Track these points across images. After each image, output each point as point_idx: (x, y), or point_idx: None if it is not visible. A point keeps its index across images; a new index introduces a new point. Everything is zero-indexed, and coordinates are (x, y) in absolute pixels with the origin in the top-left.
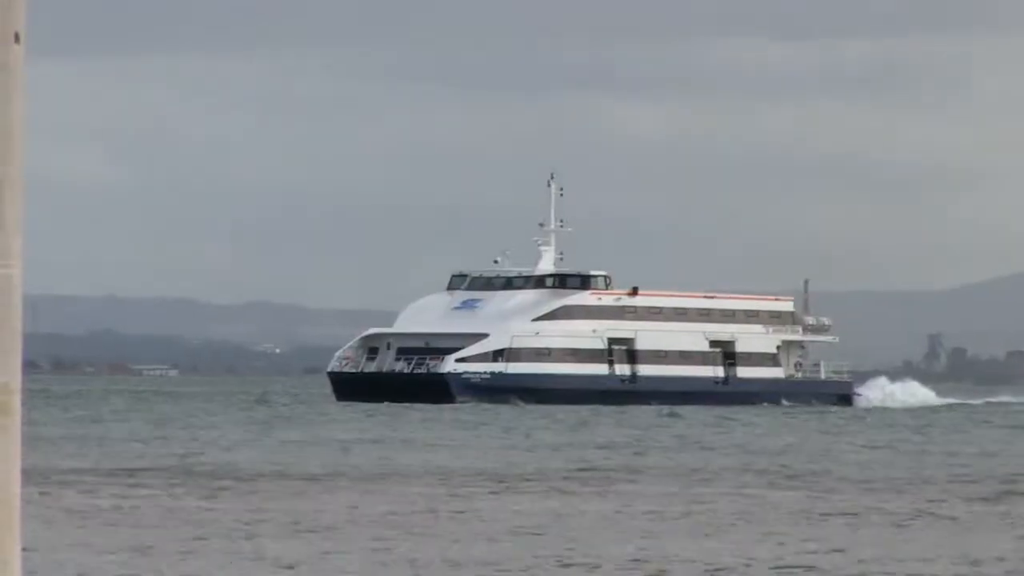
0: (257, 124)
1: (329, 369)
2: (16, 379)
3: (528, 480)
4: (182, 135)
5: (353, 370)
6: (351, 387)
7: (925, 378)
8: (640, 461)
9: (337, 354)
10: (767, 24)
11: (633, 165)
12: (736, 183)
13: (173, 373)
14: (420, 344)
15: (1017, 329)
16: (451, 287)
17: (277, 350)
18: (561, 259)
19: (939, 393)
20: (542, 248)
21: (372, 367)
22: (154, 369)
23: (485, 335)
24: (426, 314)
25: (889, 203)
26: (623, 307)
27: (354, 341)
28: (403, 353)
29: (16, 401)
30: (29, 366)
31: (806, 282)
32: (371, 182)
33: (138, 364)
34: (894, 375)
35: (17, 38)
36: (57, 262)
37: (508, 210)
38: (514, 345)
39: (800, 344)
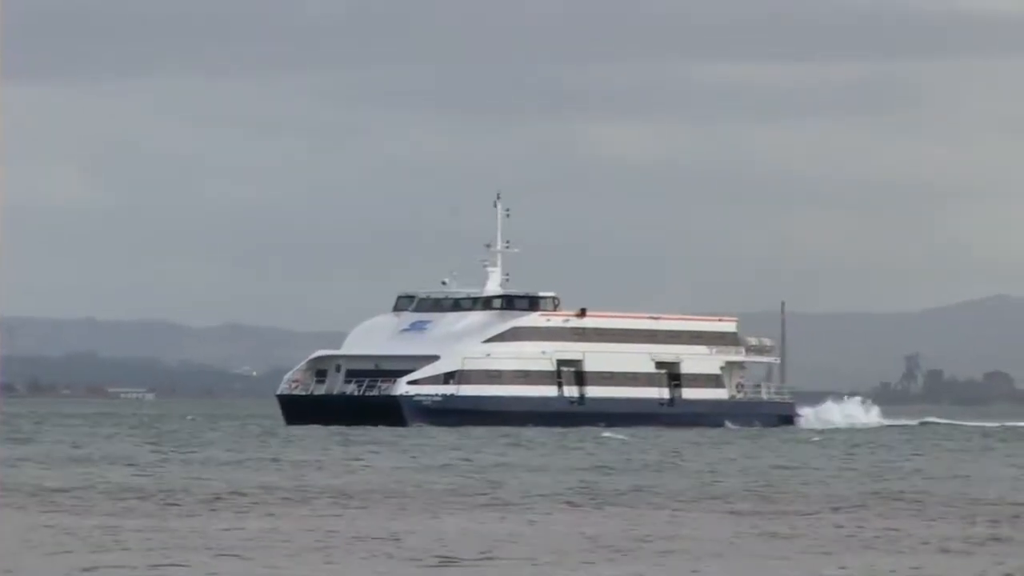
0: (235, 147)
1: (278, 392)
2: None
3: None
4: (160, 158)
5: (303, 393)
6: (301, 410)
7: (902, 399)
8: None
9: (286, 376)
10: (752, 45)
11: (613, 186)
12: (715, 204)
13: (150, 397)
14: (370, 366)
15: (994, 351)
16: (397, 308)
17: (254, 372)
18: (507, 280)
19: (885, 414)
20: (488, 269)
21: (322, 390)
22: (131, 392)
23: (435, 357)
24: (375, 336)
25: (866, 224)
26: (571, 328)
27: (302, 363)
28: (352, 375)
29: None
30: (6, 389)
31: (783, 304)
32: (351, 204)
33: (115, 387)
34: (871, 397)
35: None
36: (35, 285)
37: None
38: (465, 367)
39: (742, 365)
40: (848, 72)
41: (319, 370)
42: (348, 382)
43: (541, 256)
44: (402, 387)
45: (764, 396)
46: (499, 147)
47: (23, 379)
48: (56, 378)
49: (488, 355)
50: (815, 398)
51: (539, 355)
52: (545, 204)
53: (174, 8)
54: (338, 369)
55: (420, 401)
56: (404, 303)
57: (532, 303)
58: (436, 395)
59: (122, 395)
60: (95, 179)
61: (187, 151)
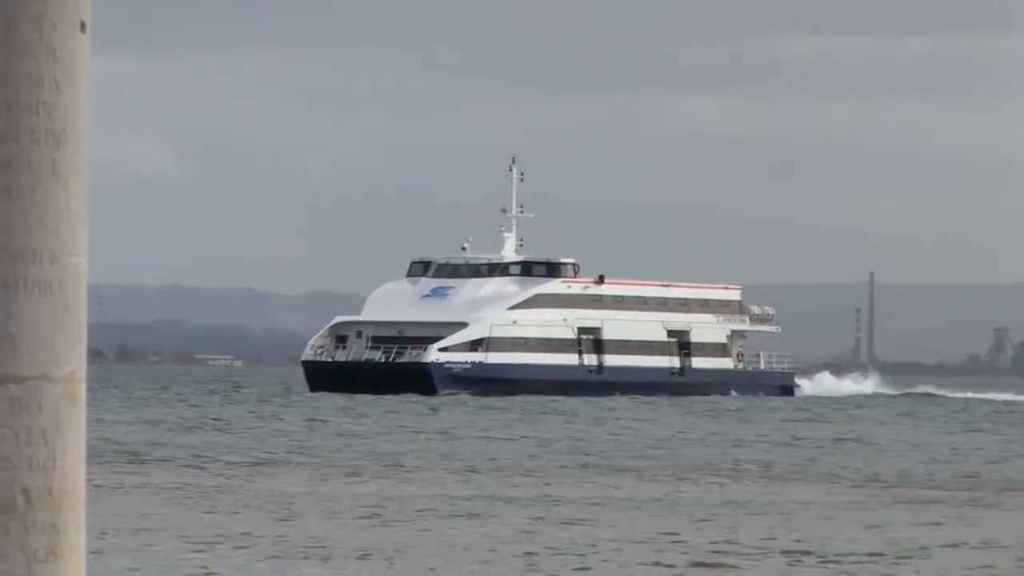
0: (319, 117)
1: (303, 358)
2: (82, 368)
3: None
4: (245, 128)
5: (328, 359)
6: (327, 377)
7: (990, 371)
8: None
9: (310, 342)
10: (825, 18)
11: (697, 157)
12: (796, 176)
13: (238, 364)
14: (393, 332)
15: None
16: (411, 274)
17: None
18: (521, 245)
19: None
20: (504, 234)
21: (344, 356)
22: (219, 359)
23: (461, 324)
24: (395, 302)
25: (952, 196)
26: (590, 296)
27: (323, 329)
28: (377, 342)
29: (82, 390)
30: (94, 355)
31: (871, 275)
32: (431, 176)
33: (203, 354)
34: (958, 369)
35: (83, 27)
36: (122, 252)
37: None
38: (493, 334)
39: (743, 334)
40: (929, 45)
41: (339, 336)
42: (375, 348)
43: (556, 221)
44: (433, 354)
45: (763, 366)
46: (581, 122)
47: (111, 345)
48: (144, 344)
49: (515, 322)
50: (901, 369)
51: (561, 322)
52: (565, 171)
53: None
54: (359, 335)
55: (450, 369)
56: (417, 269)
57: (550, 269)
58: (466, 362)
59: (210, 362)
60: (181, 149)
61: (271, 122)
